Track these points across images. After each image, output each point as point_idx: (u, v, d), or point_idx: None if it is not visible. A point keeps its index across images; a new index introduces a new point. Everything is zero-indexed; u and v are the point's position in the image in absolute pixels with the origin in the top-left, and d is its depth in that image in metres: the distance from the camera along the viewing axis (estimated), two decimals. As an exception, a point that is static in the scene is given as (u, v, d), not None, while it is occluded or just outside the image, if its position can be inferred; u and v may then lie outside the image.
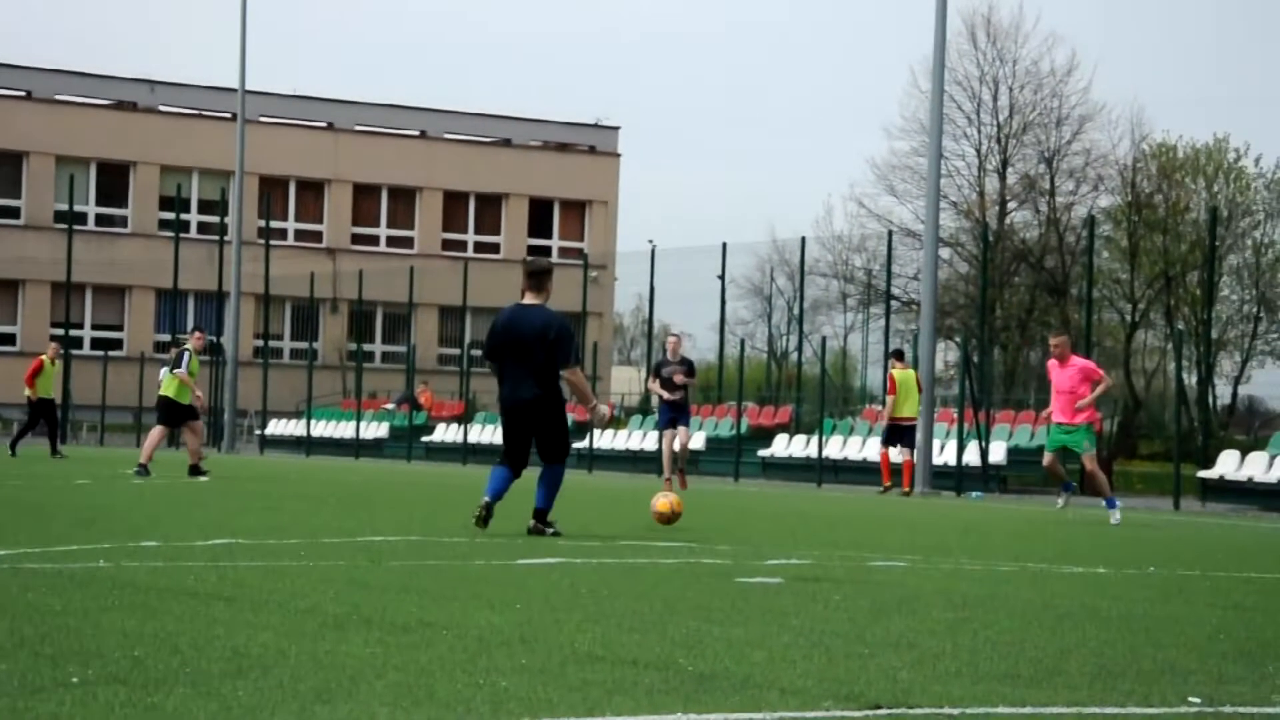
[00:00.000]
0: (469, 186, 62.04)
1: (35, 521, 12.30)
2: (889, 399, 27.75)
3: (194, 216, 58.72)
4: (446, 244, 61.54)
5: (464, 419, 44.14)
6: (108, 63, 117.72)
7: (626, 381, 57.11)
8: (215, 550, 9.91)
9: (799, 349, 46.76)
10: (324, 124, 61.62)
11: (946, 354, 44.63)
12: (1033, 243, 46.81)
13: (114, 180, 59.14)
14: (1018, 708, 5.14)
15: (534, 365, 12.07)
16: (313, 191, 61.27)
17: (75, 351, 52.02)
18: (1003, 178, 47.50)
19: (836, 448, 34.68)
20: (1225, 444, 34.20)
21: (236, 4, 45.35)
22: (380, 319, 59.85)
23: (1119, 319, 47.22)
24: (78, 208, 55.17)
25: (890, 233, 41.18)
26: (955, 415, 33.15)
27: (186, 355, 22.83)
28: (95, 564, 8.71)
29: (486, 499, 12.11)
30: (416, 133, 62.47)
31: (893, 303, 43.15)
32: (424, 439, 45.15)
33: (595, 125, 64.30)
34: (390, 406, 48.17)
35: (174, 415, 22.84)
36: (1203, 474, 28.87)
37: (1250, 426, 41.47)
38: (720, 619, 7.11)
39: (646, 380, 28.01)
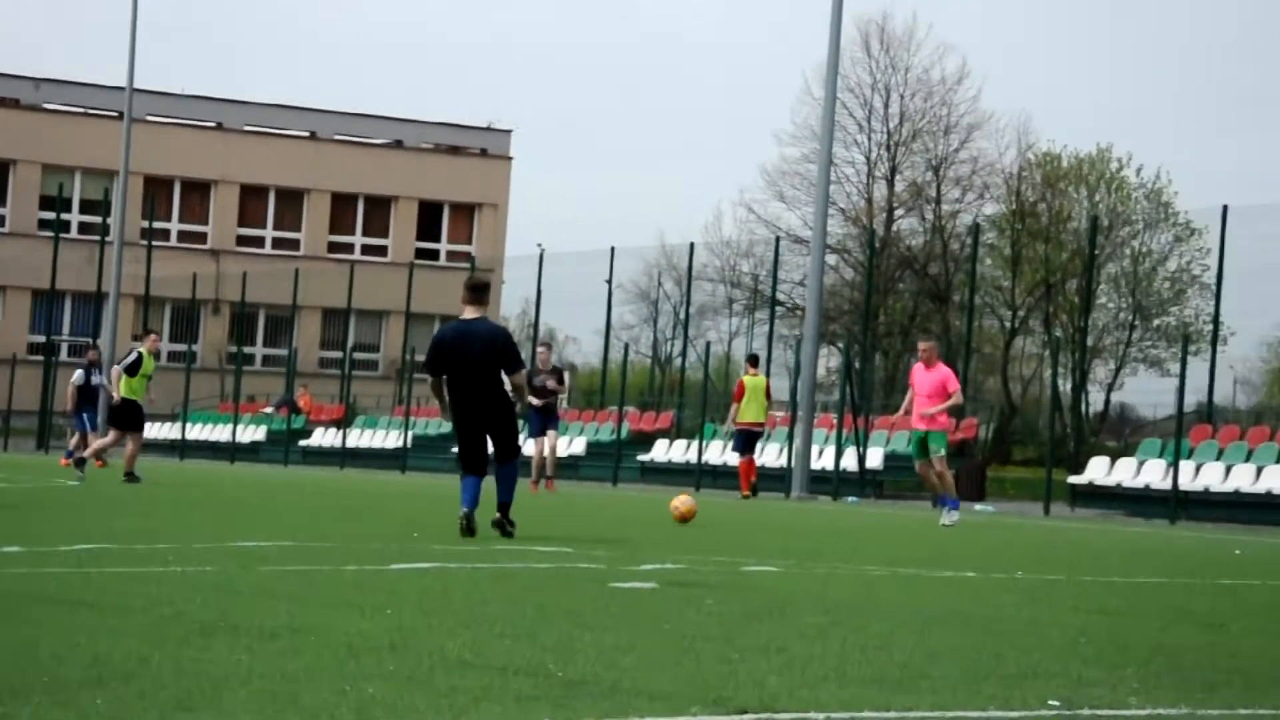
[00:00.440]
0: (358, 188, 61.58)
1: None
2: (735, 405, 27.73)
3: (75, 216, 57.77)
4: (333, 246, 61.02)
5: (343, 423, 43.80)
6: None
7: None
8: (81, 555, 9.75)
9: (683, 354, 46.95)
10: (212, 124, 60.90)
11: (829, 360, 44.99)
12: (918, 250, 47.32)
13: (-7, 178, 58.07)
14: (883, 711, 5.19)
15: (486, 375, 12.97)
16: (199, 192, 60.51)
17: (-55, 352, 51.00)
18: (891, 185, 47.97)
19: (716, 453, 34.81)
20: (1096, 450, 34.83)
21: (127, 1, 44.75)
22: (263, 321, 59.23)
23: (999, 326, 47.87)
24: (-47, 206, 54.11)
25: (778, 239, 41.47)
26: (835, 420, 33.42)
27: (139, 356, 22.88)
28: (-43, 570, 8.54)
29: (466, 509, 12.79)
30: (306, 134, 61.91)
31: (778, 308, 43.45)
32: (302, 443, 44.76)
33: (487, 128, 64.12)
34: (269, 410, 47.69)
35: (127, 419, 22.86)
36: (1073, 479, 29.35)
37: (1121, 433, 42.23)
38: (592, 624, 7.12)
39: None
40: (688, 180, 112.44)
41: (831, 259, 44.24)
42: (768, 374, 32.01)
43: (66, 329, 56.57)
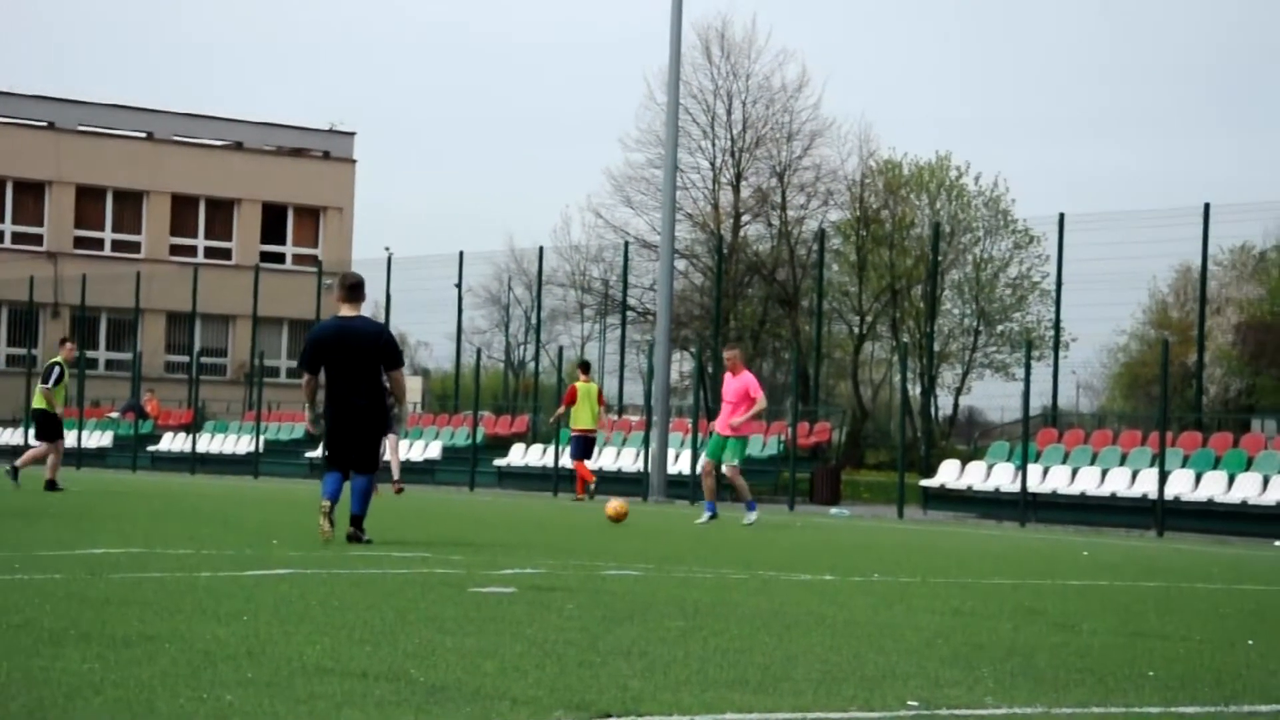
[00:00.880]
0: (199, 190, 60.61)
1: None
2: (562, 408, 28.44)
3: (-98, 218, 56.24)
4: (175, 249, 60.00)
5: (192, 428, 43.14)
6: None
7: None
8: (-76, 564, 9.49)
9: (536, 358, 46.86)
10: (44, 123, 59.58)
11: (681, 364, 45.18)
12: (765, 255, 47.68)
13: None
14: (745, 713, 5.22)
15: (367, 372, 12.85)
16: (33, 193, 59.14)
17: None
18: (737, 191, 48.27)
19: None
20: (947, 454, 35.35)
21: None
22: (105, 325, 58.08)
23: (848, 331, 48.42)
24: None
25: (627, 244, 41.54)
26: (690, 425, 33.58)
27: (58, 370, 23.14)
28: None
29: (327, 501, 12.67)
30: (143, 134, 60.83)
31: (629, 313, 43.54)
32: (150, 448, 44.03)
33: (330, 131, 63.49)
34: (115, 415, 46.80)
35: (49, 429, 23.06)
36: (925, 483, 29.77)
37: (970, 437, 42.90)
38: (453, 629, 7.07)
39: None
40: (534, 185, 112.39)
41: (680, 264, 44.41)
42: (620, 379, 32.13)
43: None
